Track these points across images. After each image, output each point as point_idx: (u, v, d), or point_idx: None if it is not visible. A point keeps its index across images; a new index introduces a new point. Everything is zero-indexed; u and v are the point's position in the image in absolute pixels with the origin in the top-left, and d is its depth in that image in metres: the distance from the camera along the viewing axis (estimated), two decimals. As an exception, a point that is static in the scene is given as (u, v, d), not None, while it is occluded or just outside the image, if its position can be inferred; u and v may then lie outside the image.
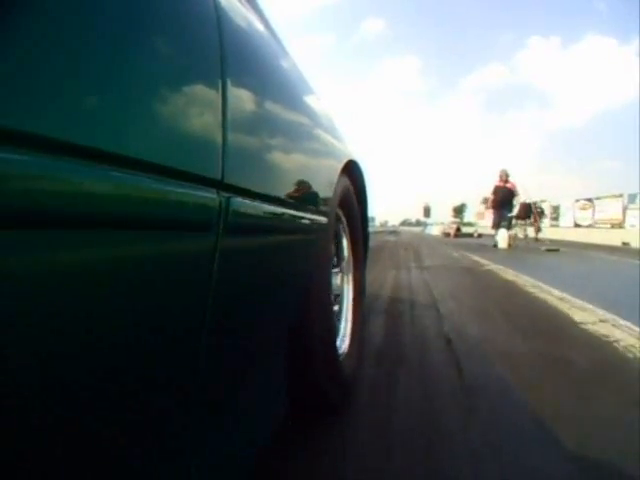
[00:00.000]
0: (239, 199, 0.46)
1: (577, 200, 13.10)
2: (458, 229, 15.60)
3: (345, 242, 1.26)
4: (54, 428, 0.29)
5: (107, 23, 0.30)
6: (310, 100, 0.88)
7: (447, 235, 14.69)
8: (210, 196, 0.41)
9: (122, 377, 0.34)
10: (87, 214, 0.28)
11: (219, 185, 0.42)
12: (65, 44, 0.26)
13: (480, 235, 13.48)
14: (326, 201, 0.87)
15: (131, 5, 0.33)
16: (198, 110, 0.41)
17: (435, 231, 22.11)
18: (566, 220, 14.67)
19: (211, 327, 0.44)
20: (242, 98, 0.51)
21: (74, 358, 0.29)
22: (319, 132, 0.89)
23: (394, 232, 20.18)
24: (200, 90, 0.41)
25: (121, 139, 0.30)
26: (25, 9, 0.24)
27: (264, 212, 0.55)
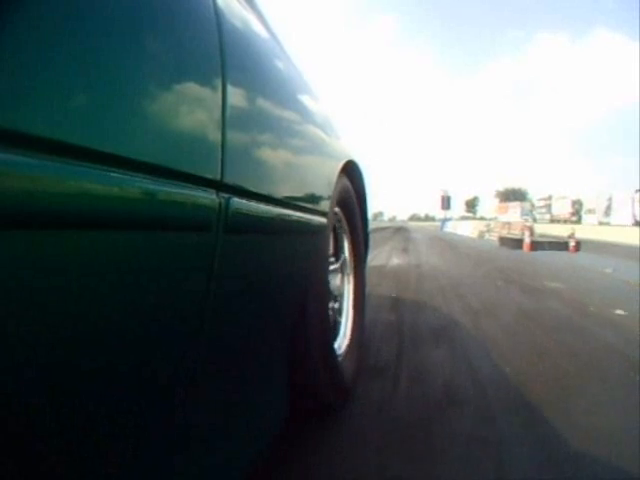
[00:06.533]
0: (238, 199, 0.46)
1: (638, 190, 8.64)
2: (531, 230, 7.83)
3: (345, 242, 1.26)
4: (54, 426, 0.29)
5: (107, 24, 0.30)
6: (309, 100, 0.87)
7: (517, 244, 7.05)
8: (209, 197, 0.41)
9: (122, 377, 0.34)
10: (88, 215, 0.28)
11: (218, 186, 0.42)
12: (65, 45, 0.26)
13: (578, 246, 6.72)
14: (325, 201, 0.87)
15: (131, 6, 0.33)
16: (198, 111, 0.41)
17: (463, 230, 14.08)
18: (621, 216, 11.28)
19: (210, 326, 0.45)
20: (241, 99, 0.51)
21: (75, 357, 0.29)
22: (318, 133, 0.89)
23: (402, 229, 15.63)
24: (200, 91, 0.41)
25: (121, 140, 0.30)
26: (26, 10, 0.24)
27: (263, 212, 0.55)
